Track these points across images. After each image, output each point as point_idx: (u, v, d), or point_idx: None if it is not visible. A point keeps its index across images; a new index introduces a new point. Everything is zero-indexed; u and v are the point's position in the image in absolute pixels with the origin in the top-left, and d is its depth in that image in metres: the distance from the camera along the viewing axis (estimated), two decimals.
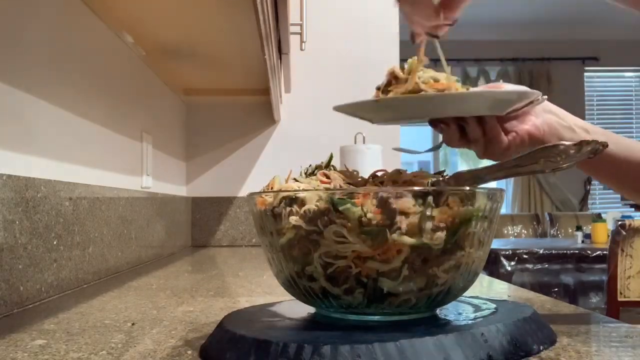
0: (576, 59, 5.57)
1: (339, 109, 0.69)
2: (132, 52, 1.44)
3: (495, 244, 3.34)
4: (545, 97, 0.69)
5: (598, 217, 3.71)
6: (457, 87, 0.64)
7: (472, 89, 0.65)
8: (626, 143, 0.70)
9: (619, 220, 2.72)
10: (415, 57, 0.65)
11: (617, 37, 5.52)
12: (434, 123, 0.69)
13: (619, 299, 2.58)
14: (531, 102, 0.68)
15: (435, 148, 0.78)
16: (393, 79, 0.66)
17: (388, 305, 0.53)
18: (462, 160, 6.44)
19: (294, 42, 1.64)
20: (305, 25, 1.61)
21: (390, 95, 0.65)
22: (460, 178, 0.55)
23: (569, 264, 3.17)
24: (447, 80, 0.64)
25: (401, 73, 0.65)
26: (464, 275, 0.55)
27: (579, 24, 5.29)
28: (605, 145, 0.50)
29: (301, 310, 0.62)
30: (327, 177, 0.61)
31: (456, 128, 0.67)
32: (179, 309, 0.81)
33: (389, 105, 0.65)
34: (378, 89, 0.67)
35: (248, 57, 1.59)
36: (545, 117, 0.70)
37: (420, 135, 6.07)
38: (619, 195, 4.05)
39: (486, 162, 0.62)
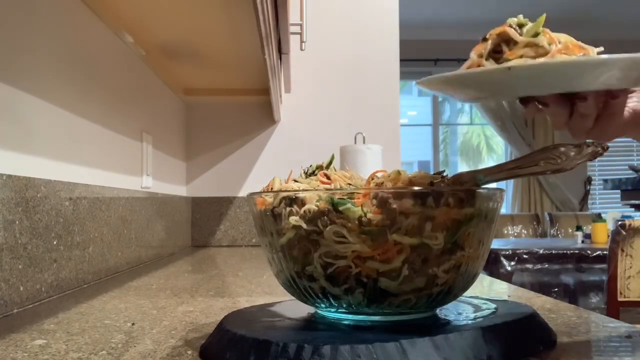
0: None
1: (431, 81, 0.56)
2: (132, 52, 1.44)
3: (495, 244, 3.34)
4: None
5: (598, 217, 3.71)
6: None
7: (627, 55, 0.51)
8: None
9: (619, 220, 2.71)
10: (543, 15, 0.54)
11: (617, 37, 5.52)
12: (526, 100, 0.57)
13: (619, 299, 2.58)
14: None
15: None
16: (503, 43, 0.54)
17: (388, 305, 0.54)
18: (462, 160, 6.44)
19: (294, 42, 1.64)
20: (305, 25, 1.60)
21: (517, 61, 0.52)
22: (460, 179, 0.55)
23: (569, 264, 3.17)
24: (576, 46, 0.53)
25: (518, 35, 0.53)
26: (464, 275, 0.55)
27: (579, 24, 5.29)
28: (605, 148, 0.50)
29: (301, 310, 0.62)
30: (328, 177, 0.61)
31: (567, 105, 0.55)
32: (179, 309, 0.81)
33: (523, 74, 0.51)
34: (480, 56, 0.54)
35: (248, 57, 1.59)
36: None
37: (420, 135, 6.08)
38: (619, 195, 4.06)
39: (486, 164, 0.61)
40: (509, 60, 0.53)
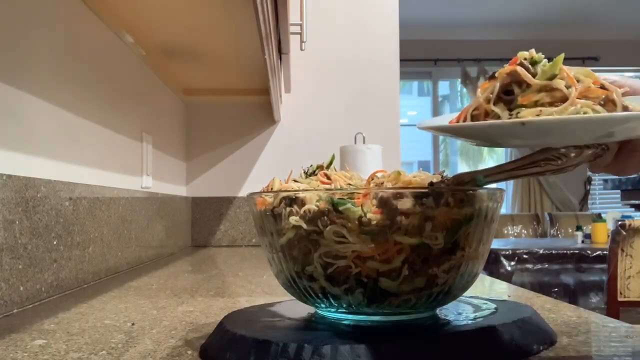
0: (576, 59, 5.58)
1: (435, 129, 0.53)
2: (132, 52, 1.44)
3: (495, 244, 3.34)
4: None
5: (598, 217, 3.72)
6: (616, 94, 0.47)
7: None
8: None
9: (619, 220, 2.71)
10: (562, 55, 0.48)
11: (617, 37, 5.52)
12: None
13: (619, 299, 2.58)
14: None
15: None
16: (514, 84, 0.48)
17: (388, 305, 0.54)
18: (462, 161, 6.44)
19: (294, 42, 1.64)
20: (305, 25, 1.60)
21: (532, 112, 0.46)
22: (460, 179, 0.55)
23: (569, 264, 3.17)
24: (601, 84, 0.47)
25: (531, 77, 0.48)
26: (464, 275, 0.55)
27: (579, 24, 5.29)
28: (605, 149, 0.49)
29: (301, 310, 0.62)
30: (328, 177, 0.61)
31: None
32: (179, 309, 0.81)
33: (538, 129, 0.45)
34: (488, 100, 0.49)
35: (248, 57, 1.59)
36: None
37: (420, 135, 6.08)
38: (619, 195, 4.06)
39: (486, 164, 0.60)
40: (522, 106, 0.48)
